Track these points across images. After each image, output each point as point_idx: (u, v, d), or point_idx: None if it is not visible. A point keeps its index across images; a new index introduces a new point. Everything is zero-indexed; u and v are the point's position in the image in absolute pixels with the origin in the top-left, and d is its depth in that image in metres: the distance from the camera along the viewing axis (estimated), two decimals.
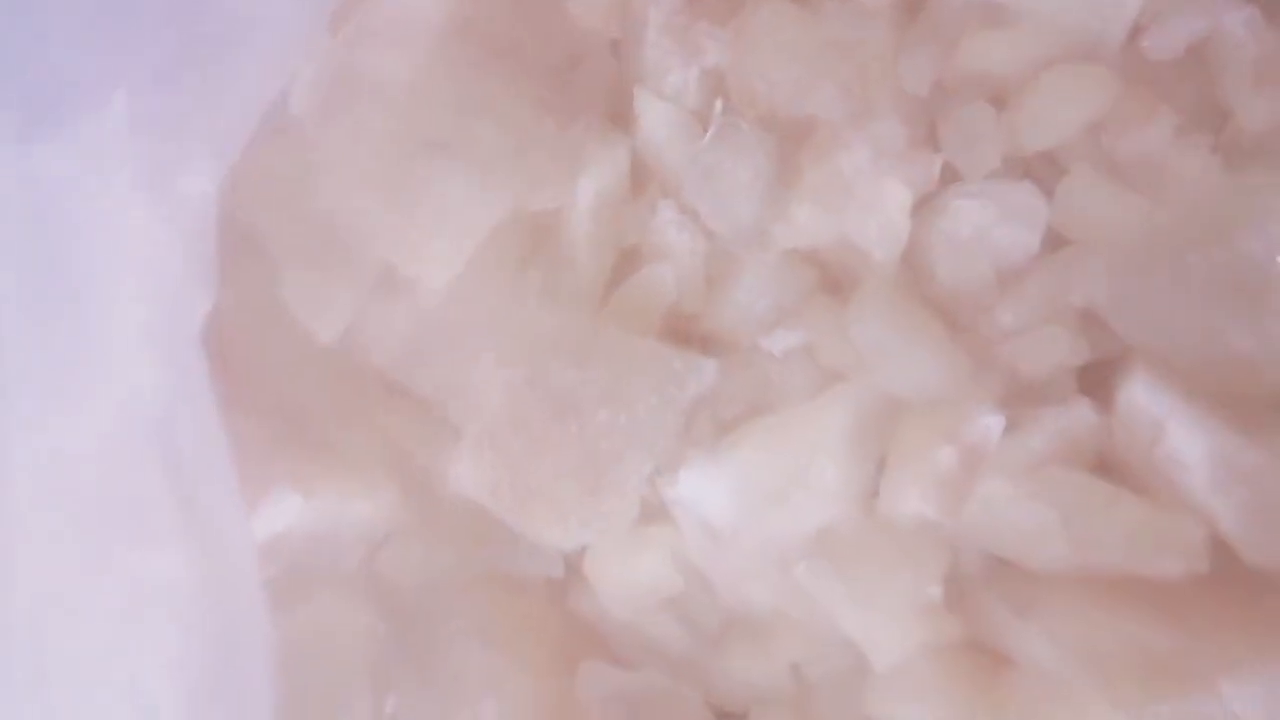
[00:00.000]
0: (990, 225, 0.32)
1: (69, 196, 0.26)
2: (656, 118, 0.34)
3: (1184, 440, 0.31)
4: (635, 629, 0.37)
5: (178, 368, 0.30)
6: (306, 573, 0.36)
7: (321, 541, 0.36)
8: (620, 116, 0.34)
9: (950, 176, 0.33)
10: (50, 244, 0.26)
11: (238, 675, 0.32)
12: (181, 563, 0.31)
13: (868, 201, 0.32)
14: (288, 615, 0.36)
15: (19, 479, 0.26)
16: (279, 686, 0.35)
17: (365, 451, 0.37)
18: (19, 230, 0.26)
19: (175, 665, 0.30)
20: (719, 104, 0.33)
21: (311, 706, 0.36)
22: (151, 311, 0.28)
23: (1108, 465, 0.33)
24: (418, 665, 0.36)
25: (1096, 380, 0.34)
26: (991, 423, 0.32)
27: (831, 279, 0.34)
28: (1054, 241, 0.33)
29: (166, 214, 0.27)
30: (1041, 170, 0.33)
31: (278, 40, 0.31)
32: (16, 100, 0.25)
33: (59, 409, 0.27)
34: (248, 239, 0.35)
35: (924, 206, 0.33)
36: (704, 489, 0.33)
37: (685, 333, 0.35)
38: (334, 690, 0.36)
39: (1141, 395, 0.32)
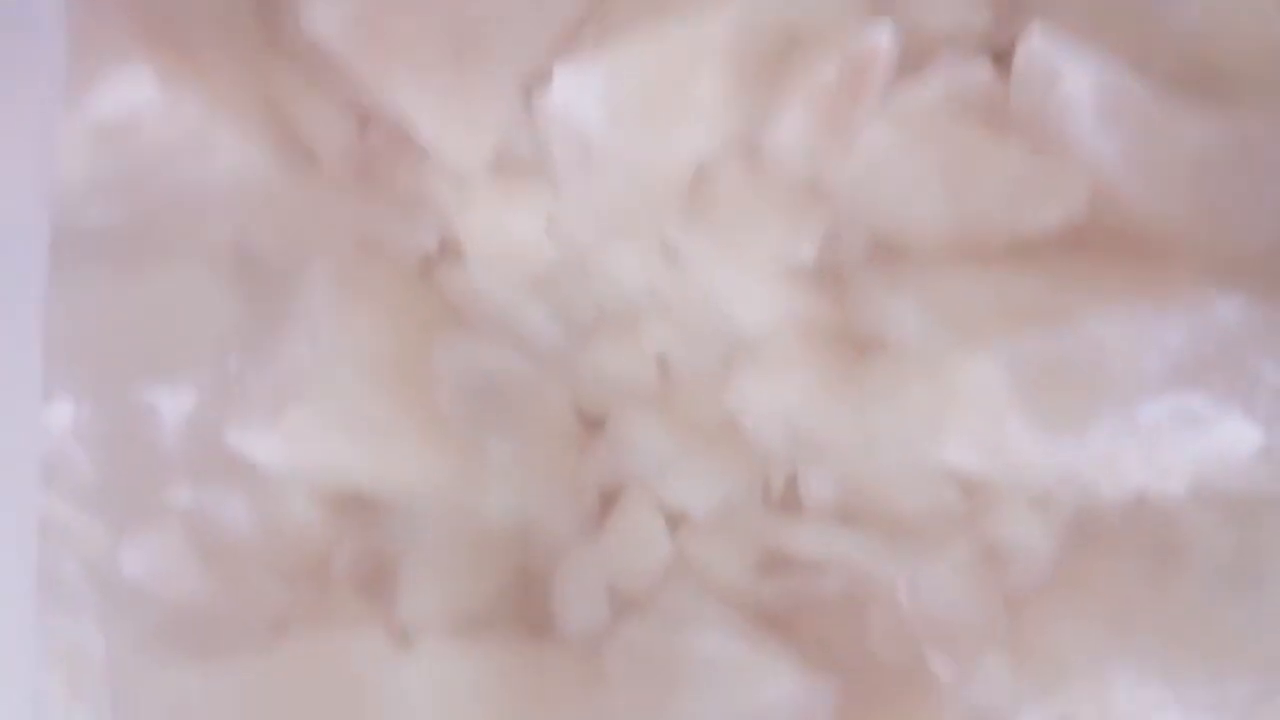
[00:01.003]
0: None
1: None
2: None
3: (1075, 81, 0.30)
4: (504, 315, 0.35)
5: None
6: (163, 230, 0.34)
7: (183, 189, 0.34)
8: None
9: None
10: None
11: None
12: None
13: None
14: (132, 274, 0.34)
15: None
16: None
17: (240, 86, 0.35)
18: None
19: None
20: None
21: (140, 367, 0.33)
22: None
23: (1001, 128, 0.32)
24: (269, 323, 0.34)
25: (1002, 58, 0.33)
26: (880, 35, 0.30)
27: None
28: None
29: None
30: None
31: None
32: None
33: None
34: None
35: None
36: (577, 93, 0.32)
37: None
38: (173, 352, 0.34)
39: (1039, 43, 0.31)
